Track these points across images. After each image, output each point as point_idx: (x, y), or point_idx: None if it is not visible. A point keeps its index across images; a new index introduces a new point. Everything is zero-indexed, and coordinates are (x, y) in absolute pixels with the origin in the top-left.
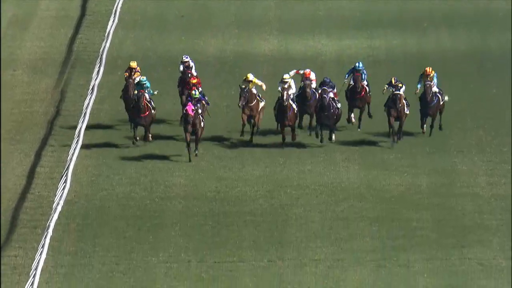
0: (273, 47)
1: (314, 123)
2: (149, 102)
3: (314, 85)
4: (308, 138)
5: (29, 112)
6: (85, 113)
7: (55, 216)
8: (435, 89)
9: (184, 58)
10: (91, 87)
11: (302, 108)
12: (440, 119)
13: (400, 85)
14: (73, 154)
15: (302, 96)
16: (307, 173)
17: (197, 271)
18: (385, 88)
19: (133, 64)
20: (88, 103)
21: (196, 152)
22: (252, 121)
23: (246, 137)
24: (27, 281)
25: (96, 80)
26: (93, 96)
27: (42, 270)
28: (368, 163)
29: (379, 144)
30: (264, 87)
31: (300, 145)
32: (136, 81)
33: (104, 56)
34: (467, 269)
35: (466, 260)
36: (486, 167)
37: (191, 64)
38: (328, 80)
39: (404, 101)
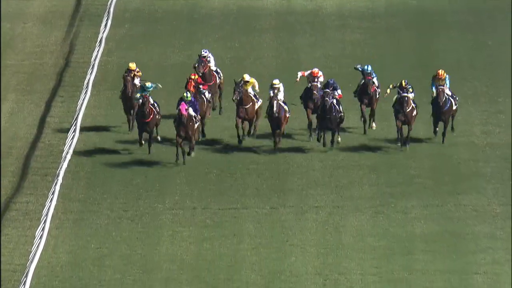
0: (275, 0)
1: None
2: (154, 106)
3: (322, 79)
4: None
5: (39, 64)
6: (93, 65)
7: (65, 164)
8: (448, 92)
9: (202, 53)
10: (99, 39)
11: (308, 106)
12: (452, 121)
13: (411, 89)
14: (81, 105)
15: (307, 95)
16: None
17: (202, 217)
18: (391, 87)
19: (132, 65)
20: (96, 55)
21: (192, 152)
22: (248, 123)
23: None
24: (38, 226)
25: (104, 33)
26: (101, 49)
27: (52, 216)
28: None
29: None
30: (257, 87)
31: None
32: (141, 86)
33: (111, 10)
34: (462, 215)
35: (462, 207)
36: (481, 116)
37: (211, 58)
38: (332, 82)
39: (412, 103)
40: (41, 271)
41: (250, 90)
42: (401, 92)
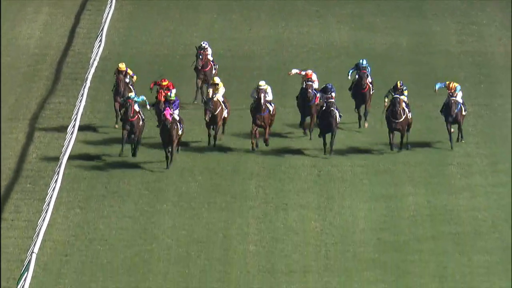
0: None
1: (314, 124)
2: (139, 113)
3: (316, 85)
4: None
5: None
6: None
7: (92, 70)
8: (459, 100)
9: (202, 44)
10: None
11: (303, 110)
12: (461, 127)
13: (406, 91)
14: (107, 17)
15: (303, 97)
16: (305, 34)
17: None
18: (386, 101)
19: (122, 66)
20: None
21: (170, 165)
22: (214, 128)
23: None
24: (69, 124)
25: None
26: None
27: (82, 115)
28: (356, 25)
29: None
30: (223, 91)
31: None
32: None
33: None
34: (438, 114)
35: (437, 107)
36: (457, 27)
37: (209, 49)
38: (330, 86)
39: (405, 106)
40: (72, 161)
41: (220, 98)
42: (394, 93)
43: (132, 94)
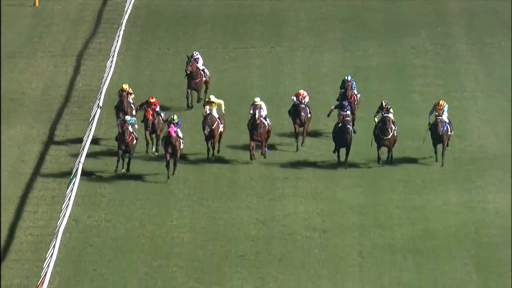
0: None
1: (304, 133)
2: (133, 133)
3: (307, 99)
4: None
5: None
6: None
7: (126, 16)
8: (445, 119)
9: (194, 54)
10: None
11: (295, 121)
12: (448, 142)
13: (391, 110)
14: None
15: (295, 112)
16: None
17: (222, 54)
18: (375, 119)
19: (125, 86)
20: None
21: (175, 172)
22: (212, 142)
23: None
24: (108, 59)
25: None
26: None
27: (118, 52)
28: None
29: None
30: (223, 107)
31: None
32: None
33: None
34: (404, 51)
35: (403, 46)
36: None
37: (200, 58)
38: (346, 104)
39: (392, 125)
40: (111, 90)
41: (214, 113)
42: (383, 113)
43: (128, 117)
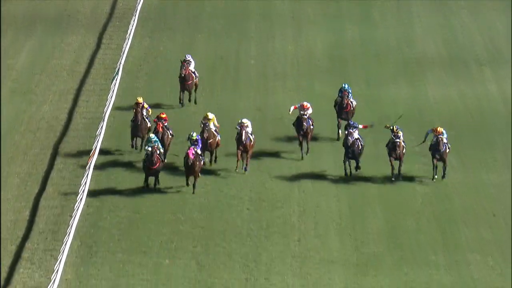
0: None
1: (305, 144)
2: (160, 155)
3: (310, 111)
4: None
5: None
6: None
7: (141, 1)
8: (444, 140)
9: (186, 57)
10: None
11: (299, 132)
12: (446, 164)
13: (400, 133)
14: None
15: (298, 124)
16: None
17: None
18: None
19: (140, 99)
20: None
21: (194, 190)
22: (211, 151)
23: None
24: (125, 38)
25: None
26: None
27: (133, 36)
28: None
29: None
30: (215, 121)
31: None
32: (147, 139)
33: None
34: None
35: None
36: None
37: (191, 61)
38: (352, 123)
39: (403, 144)
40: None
41: (212, 127)
42: (394, 138)
43: (152, 136)
